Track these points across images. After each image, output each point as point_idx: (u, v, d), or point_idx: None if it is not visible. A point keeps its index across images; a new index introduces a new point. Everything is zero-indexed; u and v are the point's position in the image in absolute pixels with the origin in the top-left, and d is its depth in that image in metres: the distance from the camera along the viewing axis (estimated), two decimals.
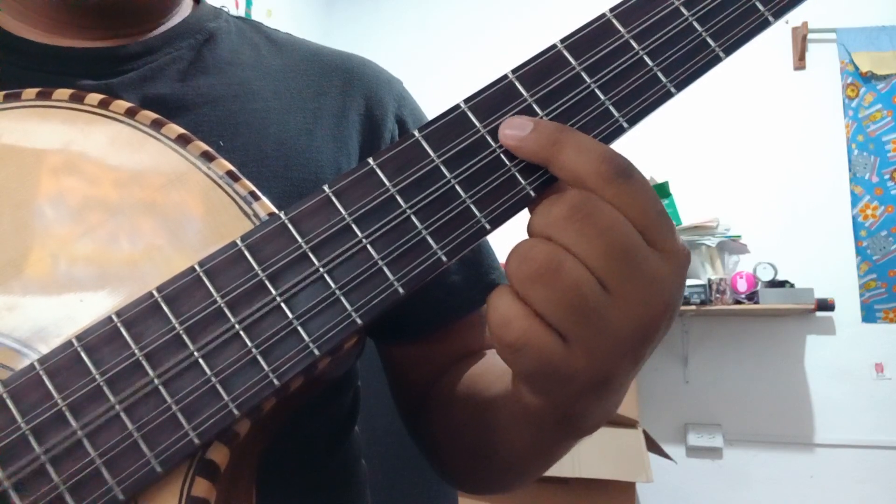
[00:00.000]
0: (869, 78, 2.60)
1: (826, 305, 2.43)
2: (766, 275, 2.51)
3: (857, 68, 2.61)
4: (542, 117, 0.33)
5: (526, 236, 0.36)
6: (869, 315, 2.54)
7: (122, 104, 0.37)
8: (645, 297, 0.30)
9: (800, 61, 2.70)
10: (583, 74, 0.34)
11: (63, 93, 0.37)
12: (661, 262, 0.31)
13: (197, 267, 0.32)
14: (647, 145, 2.59)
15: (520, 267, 0.30)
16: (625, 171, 0.30)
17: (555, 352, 0.30)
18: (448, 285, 0.55)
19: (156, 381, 0.30)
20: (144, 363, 0.31)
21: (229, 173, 0.35)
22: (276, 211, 0.34)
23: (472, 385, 0.50)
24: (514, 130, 0.32)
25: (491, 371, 0.49)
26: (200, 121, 0.49)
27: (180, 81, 0.50)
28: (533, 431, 0.38)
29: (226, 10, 0.60)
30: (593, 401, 0.32)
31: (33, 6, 0.48)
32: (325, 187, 0.33)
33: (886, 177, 2.56)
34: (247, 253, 0.32)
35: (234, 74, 0.53)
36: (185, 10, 0.55)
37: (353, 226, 0.32)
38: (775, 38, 2.70)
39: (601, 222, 0.29)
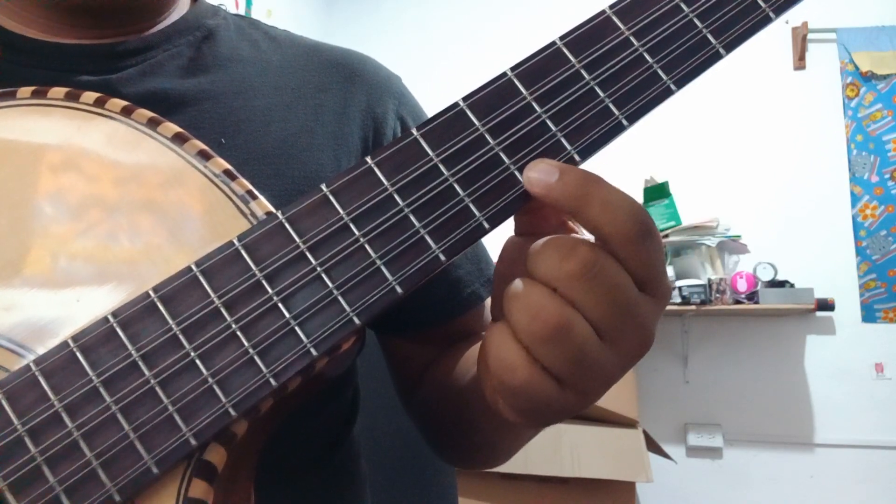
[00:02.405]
0: (869, 77, 2.60)
1: (826, 305, 2.43)
2: (766, 275, 2.50)
3: (857, 68, 2.61)
4: (541, 114, 0.33)
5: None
6: (869, 315, 2.54)
7: (118, 102, 0.36)
8: (636, 340, 0.32)
9: (800, 61, 2.70)
10: (582, 72, 0.33)
11: (58, 91, 0.37)
12: (651, 306, 0.32)
13: (194, 267, 0.32)
14: (647, 145, 2.59)
15: (531, 324, 0.30)
16: (648, 230, 0.31)
17: (551, 394, 0.31)
18: (452, 281, 0.56)
19: (152, 381, 0.30)
20: (141, 364, 0.30)
21: (226, 172, 0.35)
22: (274, 210, 0.34)
23: (458, 370, 0.51)
24: (540, 175, 0.32)
25: (474, 355, 0.51)
26: (202, 117, 0.49)
27: (180, 77, 0.50)
28: (504, 429, 0.43)
29: (223, 7, 0.60)
30: (569, 417, 0.35)
31: (30, 5, 0.48)
32: (323, 186, 0.32)
33: (886, 176, 2.56)
34: (244, 252, 0.32)
35: (234, 71, 0.53)
36: (182, 7, 0.55)
37: (351, 225, 0.32)
38: (775, 37, 2.70)
39: (608, 281, 0.30)
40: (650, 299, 0.32)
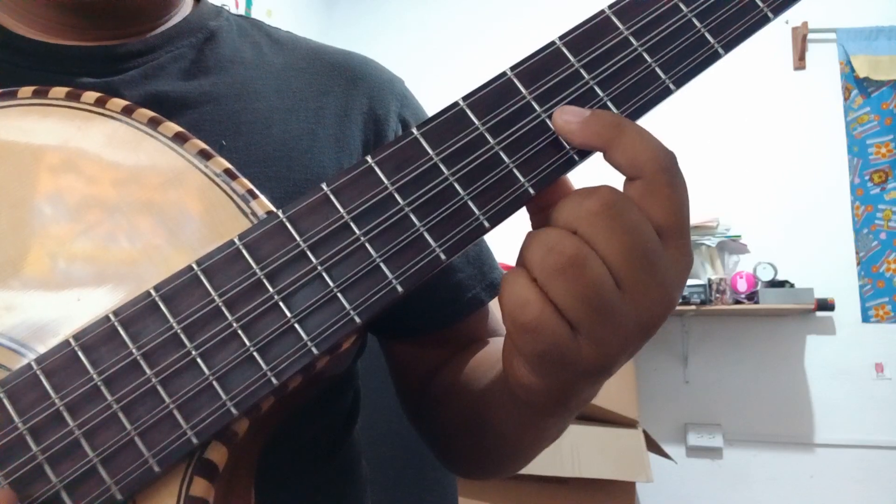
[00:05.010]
0: (861, 81, 2.61)
1: (826, 305, 2.43)
2: (766, 275, 2.51)
3: (852, 70, 2.62)
4: (541, 114, 0.33)
5: (523, 233, 0.36)
6: (864, 314, 2.55)
7: (118, 102, 0.36)
8: (653, 296, 0.31)
9: (800, 61, 2.70)
10: (581, 71, 0.34)
11: (59, 91, 0.37)
12: (671, 264, 0.31)
13: (195, 266, 0.32)
14: None
15: (545, 258, 0.30)
16: (678, 168, 0.31)
17: (564, 339, 0.31)
18: (454, 285, 0.56)
19: (153, 380, 0.30)
20: (142, 362, 0.30)
21: (227, 171, 0.35)
22: (274, 209, 0.34)
23: (470, 373, 0.51)
24: (572, 116, 0.32)
25: (488, 359, 0.50)
26: (203, 119, 0.49)
27: (182, 80, 0.50)
28: (523, 411, 0.39)
29: (226, 8, 0.60)
30: (586, 385, 0.34)
31: (31, 6, 0.48)
32: (324, 185, 0.33)
33: (867, 178, 2.59)
34: (244, 251, 0.32)
35: (236, 73, 0.53)
36: (185, 9, 0.55)
37: (352, 224, 0.32)
38: (775, 37, 2.70)
39: (629, 222, 0.30)
40: (671, 255, 0.31)
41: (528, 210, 0.35)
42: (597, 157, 0.34)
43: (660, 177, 0.31)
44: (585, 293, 0.30)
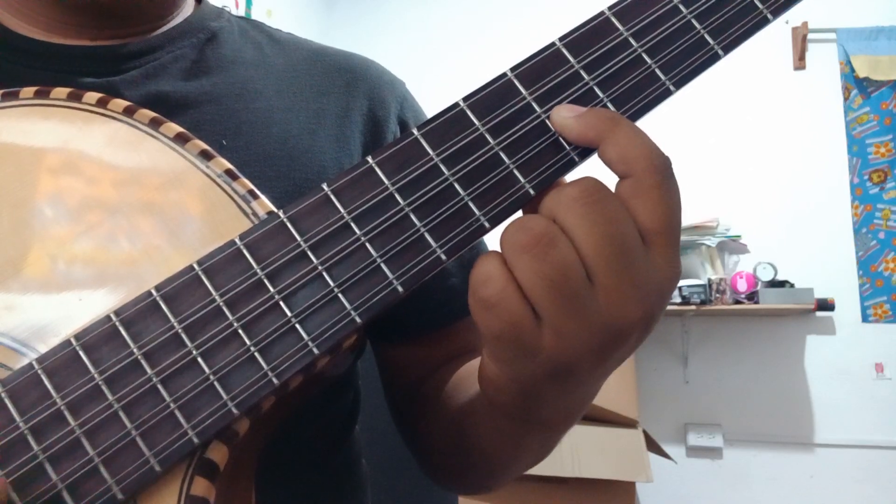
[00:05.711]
0: (861, 80, 2.62)
1: (826, 305, 2.44)
2: (766, 275, 2.51)
3: (852, 70, 2.62)
4: (540, 115, 0.33)
5: None
6: (864, 314, 2.55)
7: (120, 103, 0.37)
8: (626, 297, 0.30)
9: (800, 61, 2.70)
10: (581, 72, 0.34)
11: (61, 91, 0.37)
12: (653, 270, 0.30)
13: (196, 266, 0.32)
14: None
15: (514, 235, 0.30)
16: (669, 169, 0.31)
17: (523, 321, 0.30)
18: (448, 288, 0.55)
19: (154, 379, 0.30)
20: (143, 362, 0.30)
21: (228, 172, 0.35)
22: (275, 209, 0.34)
23: (455, 384, 0.50)
24: (569, 112, 0.33)
25: (476, 371, 0.49)
26: (203, 119, 0.49)
27: (183, 80, 0.50)
28: (496, 419, 0.39)
29: (227, 9, 0.60)
30: (551, 388, 0.33)
31: (33, 5, 0.48)
32: (324, 185, 0.33)
33: (866, 177, 2.60)
34: (245, 252, 0.32)
35: (236, 73, 0.53)
36: (187, 10, 0.55)
37: (352, 224, 0.32)
38: (775, 37, 2.70)
39: (607, 212, 0.29)
40: (653, 261, 0.30)
41: (525, 213, 0.35)
42: (599, 164, 0.33)
43: (650, 177, 0.30)
44: (550, 275, 0.29)
